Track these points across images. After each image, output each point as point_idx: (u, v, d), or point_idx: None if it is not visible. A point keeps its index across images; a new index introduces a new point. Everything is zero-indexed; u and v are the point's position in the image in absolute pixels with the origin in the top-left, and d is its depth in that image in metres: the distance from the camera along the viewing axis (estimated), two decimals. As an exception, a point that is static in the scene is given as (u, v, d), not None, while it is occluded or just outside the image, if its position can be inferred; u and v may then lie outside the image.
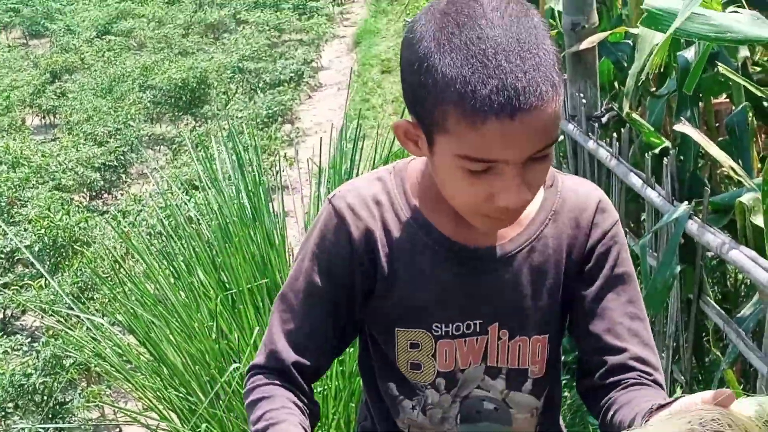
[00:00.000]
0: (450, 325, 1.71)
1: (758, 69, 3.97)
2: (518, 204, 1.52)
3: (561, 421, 2.01)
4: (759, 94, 3.15)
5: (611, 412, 1.61)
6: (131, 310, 4.13)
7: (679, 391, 3.72)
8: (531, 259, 1.70)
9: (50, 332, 5.13)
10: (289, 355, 1.71)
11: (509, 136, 1.43)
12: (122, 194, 8.49)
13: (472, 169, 1.49)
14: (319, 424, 3.74)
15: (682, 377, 3.47)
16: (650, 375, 1.66)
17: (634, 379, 1.65)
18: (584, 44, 4.13)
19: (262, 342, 1.77)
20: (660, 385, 1.67)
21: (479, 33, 1.44)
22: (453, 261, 1.68)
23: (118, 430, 5.21)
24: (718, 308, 3.13)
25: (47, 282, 5.33)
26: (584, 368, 1.73)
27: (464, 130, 1.45)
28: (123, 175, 9.04)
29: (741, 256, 2.71)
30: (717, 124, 4.25)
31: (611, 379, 1.66)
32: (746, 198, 2.80)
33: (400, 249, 1.70)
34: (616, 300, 1.69)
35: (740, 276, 4.66)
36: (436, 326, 1.71)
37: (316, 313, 1.72)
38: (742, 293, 4.36)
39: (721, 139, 3.67)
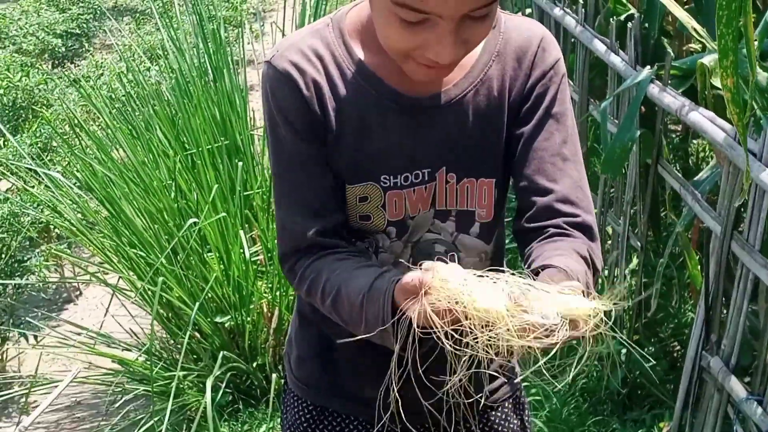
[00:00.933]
0: (398, 176, 1.70)
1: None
2: (448, 59, 1.49)
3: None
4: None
5: (527, 264, 1.61)
6: (90, 169, 4.11)
7: (635, 260, 3.76)
8: (476, 102, 1.69)
9: (9, 191, 5.10)
10: (312, 226, 1.70)
11: None
12: (85, 62, 8.37)
13: (407, 19, 1.45)
14: (277, 284, 3.77)
15: (638, 243, 3.50)
16: (576, 216, 1.66)
17: (554, 228, 1.65)
18: None
19: (280, 227, 1.75)
20: (586, 227, 1.67)
21: None
22: (398, 111, 1.66)
23: (78, 292, 5.24)
24: (676, 172, 3.15)
25: (6, 141, 5.27)
26: (518, 210, 1.73)
27: None
28: (86, 44, 8.90)
29: (700, 117, 2.71)
30: (685, -2, 4.22)
31: (535, 224, 1.67)
32: (707, 60, 2.78)
33: (345, 102, 1.67)
34: (549, 140, 1.68)
35: (702, 154, 4.70)
36: (385, 178, 1.70)
37: (315, 174, 1.70)
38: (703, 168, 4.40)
39: (687, 6, 3.64)
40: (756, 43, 2.60)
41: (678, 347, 3.80)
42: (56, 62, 8.43)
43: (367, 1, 1.62)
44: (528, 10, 4.94)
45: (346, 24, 1.69)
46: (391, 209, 1.72)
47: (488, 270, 1.79)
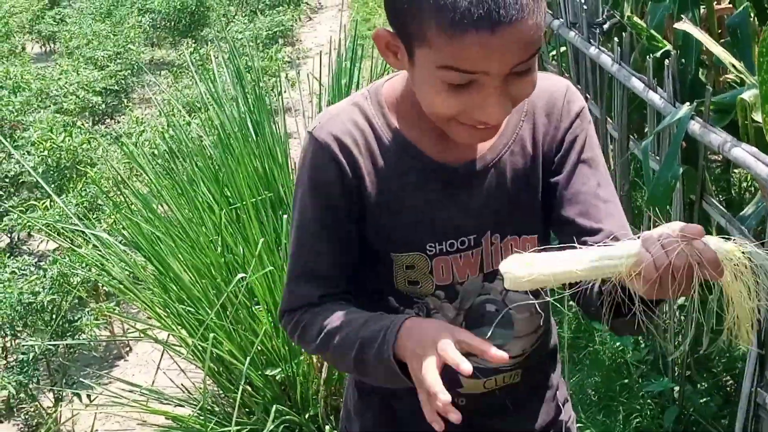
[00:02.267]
0: (443, 243, 1.72)
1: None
2: (498, 118, 1.53)
3: (554, 327, 2.03)
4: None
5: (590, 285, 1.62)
6: (136, 227, 4.15)
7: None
8: (512, 162, 1.72)
9: (57, 252, 5.16)
10: (317, 293, 1.75)
11: (489, 49, 1.42)
12: (125, 118, 8.47)
13: (453, 83, 1.48)
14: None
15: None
16: None
17: None
18: (585, -51, 4.09)
19: (287, 288, 1.80)
20: None
21: None
22: (438, 180, 1.69)
23: (128, 348, 5.27)
24: (721, 207, 3.14)
25: (53, 203, 5.34)
26: None
27: (444, 43, 1.44)
28: (125, 100, 9.01)
29: (742, 152, 2.71)
30: (719, 31, 4.23)
31: None
32: (747, 95, 2.79)
33: (384, 173, 1.70)
34: (586, 184, 1.70)
35: (744, 184, 4.68)
36: (430, 246, 1.72)
37: (331, 244, 1.73)
38: (747, 201, 4.38)
39: (722, 41, 3.64)
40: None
41: (731, 381, 3.77)
42: (96, 119, 8.54)
43: (402, 74, 1.68)
44: (563, 48, 4.95)
45: (383, 96, 1.73)
46: (439, 275, 1.75)
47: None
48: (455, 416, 1.45)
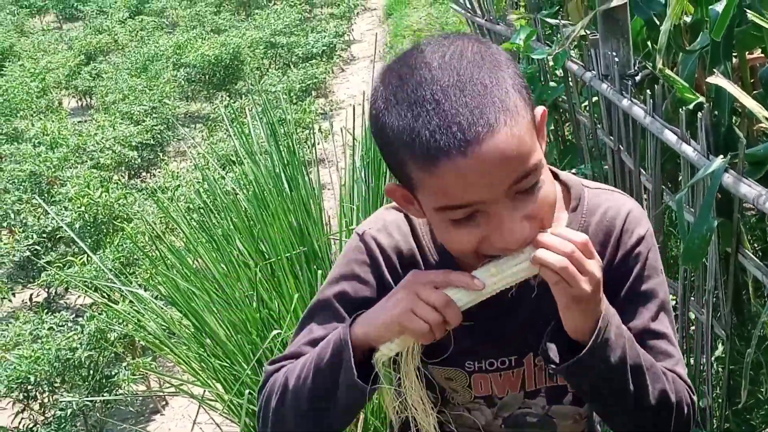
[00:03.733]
0: (483, 362, 1.71)
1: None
2: (517, 243, 1.47)
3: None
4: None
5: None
6: (172, 282, 4.18)
7: (720, 347, 3.72)
8: None
9: (94, 307, 5.20)
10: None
11: (470, 174, 1.37)
12: (160, 172, 8.56)
13: (454, 219, 1.44)
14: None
15: (723, 332, 3.46)
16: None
17: None
18: (615, 1, 4.10)
19: (287, 349, 1.77)
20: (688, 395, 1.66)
21: (419, 79, 1.40)
22: (479, 305, 1.59)
23: (164, 402, 5.29)
24: (757, 260, 3.11)
25: (89, 258, 5.39)
26: None
27: (426, 180, 1.41)
28: (160, 153, 9.12)
29: (778, 206, 2.70)
30: (752, 80, 4.22)
31: None
32: (782, 148, 2.79)
33: None
34: (639, 318, 1.65)
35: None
36: (469, 364, 1.71)
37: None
38: (782, 249, 4.35)
39: (755, 92, 3.64)
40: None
41: (771, 434, 3.73)
42: (132, 173, 8.64)
43: None
44: (594, 98, 4.96)
45: None
46: (477, 388, 1.74)
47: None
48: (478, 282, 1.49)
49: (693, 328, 3.85)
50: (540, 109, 1.50)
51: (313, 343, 1.67)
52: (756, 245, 4.51)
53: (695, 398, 1.66)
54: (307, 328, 1.72)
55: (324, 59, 11.51)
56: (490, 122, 1.36)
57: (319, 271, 3.93)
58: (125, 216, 6.12)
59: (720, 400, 3.57)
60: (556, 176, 1.69)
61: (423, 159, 1.38)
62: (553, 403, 1.76)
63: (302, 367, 1.63)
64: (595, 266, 1.47)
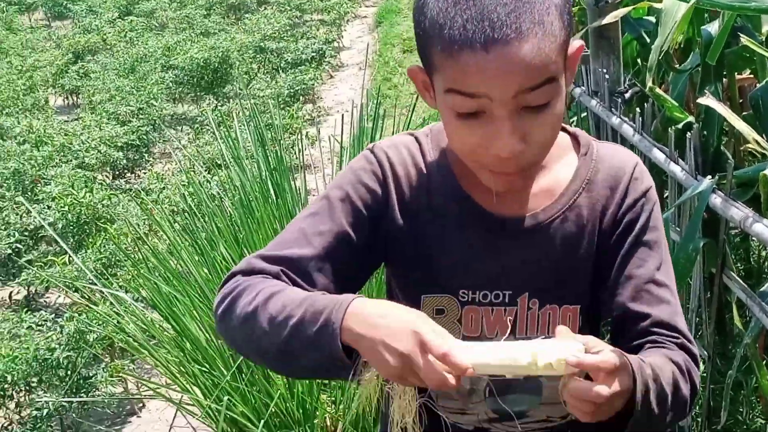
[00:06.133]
0: (477, 293, 1.70)
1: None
2: (509, 152, 1.49)
3: None
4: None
5: None
6: (154, 286, 4.15)
7: (702, 366, 3.71)
8: (564, 229, 1.68)
9: (74, 308, 5.16)
10: (280, 267, 1.63)
11: (486, 69, 1.42)
12: (145, 173, 8.53)
13: (461, 111, 1.48)
14: (341, 397, 3.76)
15: (705, 352, 3.46)
16: (676, 338, 1.64)
17: (651, 343, 1.63)
18: (607, 19, 4.10)
19: (270, 248, 1.68)
20: (686, 349, 1.64)
21: None
22: (482, 228, 1.67)
23: (141, 404, 5.25)
24: (741, 282, 3.11)
25: (71, 258, 5.36)
26: (612, 333, 1.71)
27: (445, 62, 1.46)
28: (146, 155, 9.08)
29: (764, 229, 2.70)
30: (741, 101, 4.23)
31: (634, 344, 1.64)
32: (770, 170, 2.79)
33: (428, 212, 1.69)
34: (642, 267, 1.66)
35: (764, 253, 4.65)
36: (463, 293, 1.70)
37: (331, 245, 1.65)
38: (766, 270, 4.36)
39: (745, 113, 3.64)
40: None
41: (750, 455, 3.73)
42: (117, 173, 8.61)
43: None
44: (583, 114, 4.96)
45: (443, 138, 1.72)
46: (467, 325, 1.71)
47: None
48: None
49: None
50: (578, 42, 1.55)
51: (304, 237, 1.64)
52: (739, 265, 4.51)
53: (696, 350, 1.66)
54: (299, 228, 1.66)
55: (313, 65, 11.50)
56: (522, 29, 1.42)
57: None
58: (108, 217, 6.08)
59: (699, 419, 3.57)
60: (565, 130, 1.74)
61: (449, 44, 1.44)
62: None
63: (281, 310, 1.54)
64: (617, 385, 1.44)
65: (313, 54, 11.92)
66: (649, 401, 1.49)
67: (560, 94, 1.51)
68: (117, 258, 5.55)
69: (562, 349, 1.43)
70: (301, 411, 3.77)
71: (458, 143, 1.55)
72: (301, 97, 10.38)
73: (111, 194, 6.29)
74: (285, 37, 12.91)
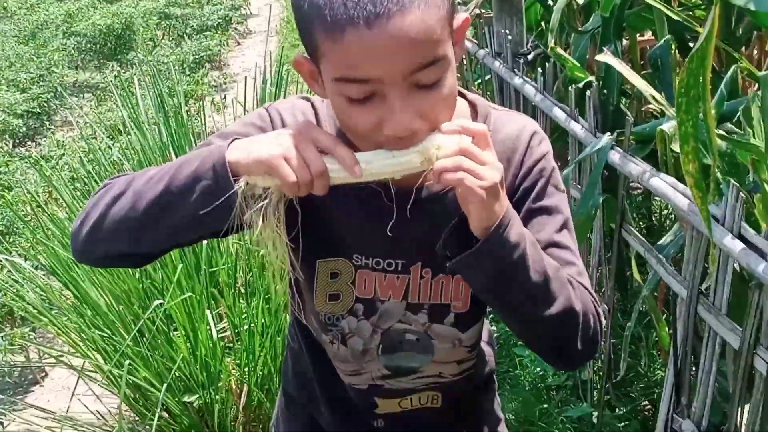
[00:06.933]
0: (370, 259, 1.69)
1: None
2: (404, 131, 1.44)
3: (490, 356, 2.01)
4: (679, 18, 3.14)
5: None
6: (53, 252, 4.07)
7: (604, 321, 3.76)
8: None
9: (-30, 274, 5.05)
10: None
11: (370, 48, 1.36)
12: (46, 141, 8.35)
13: (353, 97, 1.43)
14: (246, 360, 3.73)
15: (606, 306, 3.51)
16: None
17: None
18: (509, -21, 4.12)
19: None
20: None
21: None
22: (377, 196, 1.63)
23: (44, 373, 5.16)
24: (640, 236, 3.15)
25: (-34, 225, 5.23)
26: None
27: (330, 47, 1.40)
28: (47, 122, 8.89)
29: (661, 183, 2.73)
30: (642, 62, 4.27)
31: None
32: (667, 126, 2.80)
33: None
34: (541, 232, 1.63)
35: (665, 212, 4.73)
36: (357, 257, 1.69)
37: None
38: (667, 228, 4.43)
39: (644, 73, 3.68)
40: (713, 112, 2.62)
41: (649, 406, 3.79)
42: (17, 142, 8.42)
43: None
44: (488, 77, 4.98)
45: None
46: (360, 286, 1.71)
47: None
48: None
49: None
50: (463, 16, 1.50)
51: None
52: (641, 224, 4.58)
53: (601, 310, 1.64)
54: (170, 164, 1.59)
55: (219, 32, 11.36)
56: (403, 1, 1.36)
57: (204, 241, 3.85)
58: (6, 184, 5.94)
59: (601, 373, 3.63)
60: (462, 96, 1.70)
61: (331, 26, 1.37)
62: (434, 321, 1.74)
63: (158, 170, 1.54)
64: (491, 156, 1.45)
65: (219, 20, 11.81)
66: (508, 236, 1.47)
67: (451, 69, 1.46)
68: (15, 226, 5.43)
69: (447, 142, 1.45)
70: (204, 374, 3.73)
71: (353, 128, 1.49)
72: (207, 64, 10.27)
73: (8, 160, 6.14)
74: (190, 4, 12.75)
